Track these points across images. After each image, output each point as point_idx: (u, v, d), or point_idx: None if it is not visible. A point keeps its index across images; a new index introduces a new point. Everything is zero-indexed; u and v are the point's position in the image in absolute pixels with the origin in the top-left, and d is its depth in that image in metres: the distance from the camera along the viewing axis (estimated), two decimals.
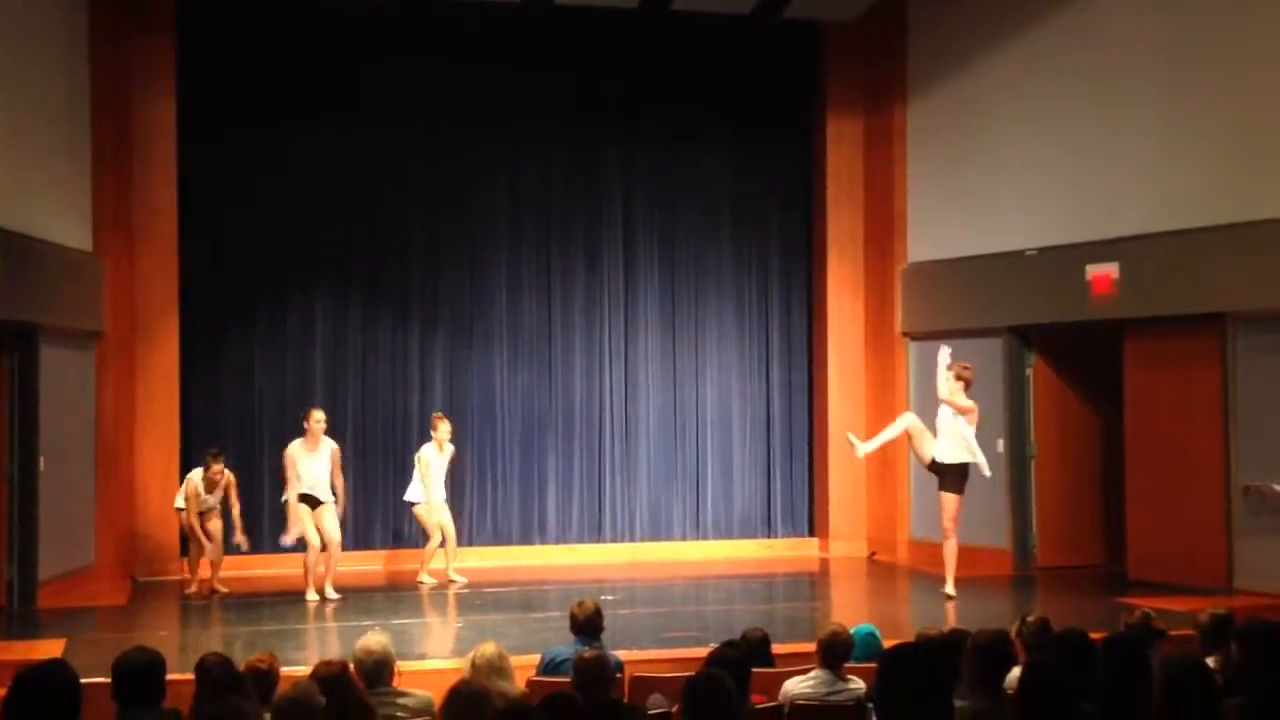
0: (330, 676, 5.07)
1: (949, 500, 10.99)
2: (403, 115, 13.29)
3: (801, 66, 14.33)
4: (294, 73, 13.04)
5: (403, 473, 12.48)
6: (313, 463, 11.10)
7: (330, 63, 13.07)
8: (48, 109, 11.17)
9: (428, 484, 11.84)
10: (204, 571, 11.49)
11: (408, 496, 12.10)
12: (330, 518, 11.13)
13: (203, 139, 12.69)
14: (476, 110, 13.43)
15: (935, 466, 11.05)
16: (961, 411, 10.89)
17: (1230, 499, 10.80)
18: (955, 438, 10.91)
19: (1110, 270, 11.61)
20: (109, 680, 4.62)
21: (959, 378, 10.97)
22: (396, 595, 11.46)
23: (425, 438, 12.30)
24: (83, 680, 4.24)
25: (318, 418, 11.19)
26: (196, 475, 11.32)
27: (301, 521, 11.03)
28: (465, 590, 11.58)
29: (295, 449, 11.13)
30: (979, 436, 11.00)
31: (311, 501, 11.10)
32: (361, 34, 13.14)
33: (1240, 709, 4.25)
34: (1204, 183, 11.02)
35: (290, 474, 11.08)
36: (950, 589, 10.98)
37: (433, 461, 11.89)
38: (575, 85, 13.74)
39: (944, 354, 11.24)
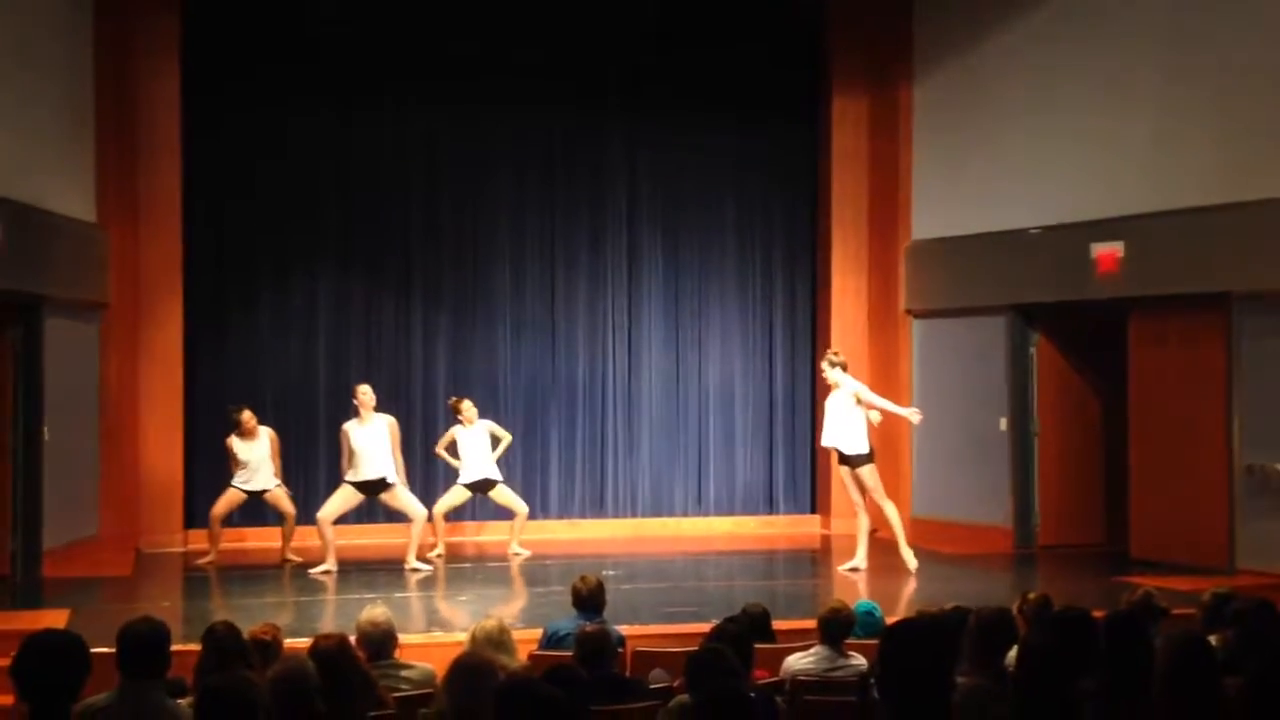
0: (330, 649, 5.05)
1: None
2: (405, 93, 13.23)
3: (806, 45, 14.26)
4: (298, 50, 12.96)
5: (409, 447, 12.29)
6: (366, 439, 10.99)
7: (333, 40, 12.99)
8: (52, 81, 11.13)
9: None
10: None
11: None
12: (403, 496, 11.08)
13: (207, 114, 12.65)
14: (480, 88, 13.35)
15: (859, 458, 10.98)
16: (864, 403, 10.85)
17: (1233, 479, 10.79)
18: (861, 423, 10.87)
19: (1115, 249, 11.58)
20: (114, 650, 4.64)
21: (835, 364, 10.96)
22: (400, 570, 11.48)
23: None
24: None
25: (363, 390, 11.12)
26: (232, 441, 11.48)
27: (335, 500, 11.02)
28: (465, 565, 11.60)
29: (350, 427, 11.05)
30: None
31: (369, 487, 11.00)
32: (365, 13, 13.08)
33: (1241, 687, 4.26)
34: (1210, 161, 10.98)
35: (344, 452, 11.05)
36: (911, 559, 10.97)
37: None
38: (578, 64, 13.65)
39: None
